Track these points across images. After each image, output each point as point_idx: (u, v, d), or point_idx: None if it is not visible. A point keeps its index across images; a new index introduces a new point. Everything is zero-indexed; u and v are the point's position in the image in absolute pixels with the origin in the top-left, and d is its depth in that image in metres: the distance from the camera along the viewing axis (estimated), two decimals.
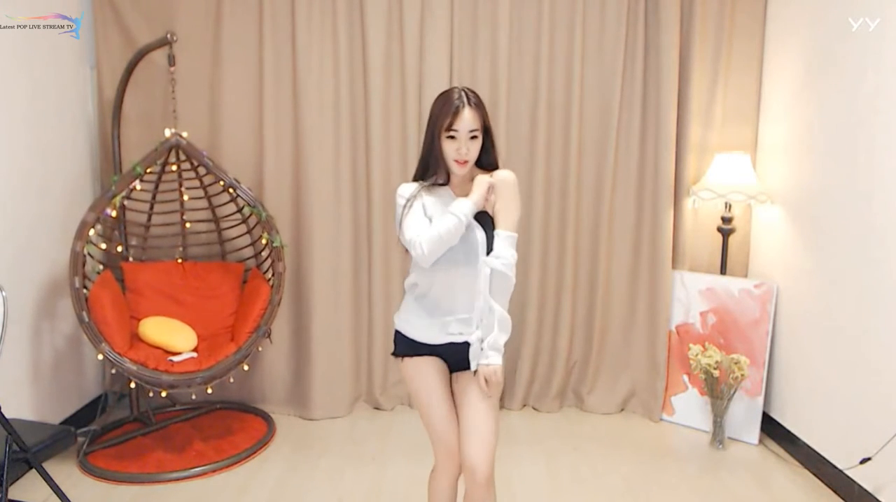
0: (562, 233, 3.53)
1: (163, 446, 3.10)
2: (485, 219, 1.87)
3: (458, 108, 1.80)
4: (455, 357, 1.92)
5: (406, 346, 1.96)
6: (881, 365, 2.55)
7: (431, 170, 1.88)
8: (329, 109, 3.43)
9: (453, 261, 1.83)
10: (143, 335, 3.08)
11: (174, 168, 3.34)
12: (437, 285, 1.88)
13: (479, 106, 1.84)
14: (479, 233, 1.84)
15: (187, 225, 3.46)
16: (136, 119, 3.44)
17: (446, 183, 1.91)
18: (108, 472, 2.85)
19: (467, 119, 1.80)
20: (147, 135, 3.40)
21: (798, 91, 3.16)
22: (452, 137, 1.82)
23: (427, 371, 1.93)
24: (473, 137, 1.83)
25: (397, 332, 1.99)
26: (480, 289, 1.81)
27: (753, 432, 3.29)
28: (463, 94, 1.83)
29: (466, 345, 1.87)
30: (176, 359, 2.96)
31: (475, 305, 1.83)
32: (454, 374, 1.98)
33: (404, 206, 1.86)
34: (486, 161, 1.92)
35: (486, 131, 1.87)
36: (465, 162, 1.84)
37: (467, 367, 1.89)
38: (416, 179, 1.93)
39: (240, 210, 3.38)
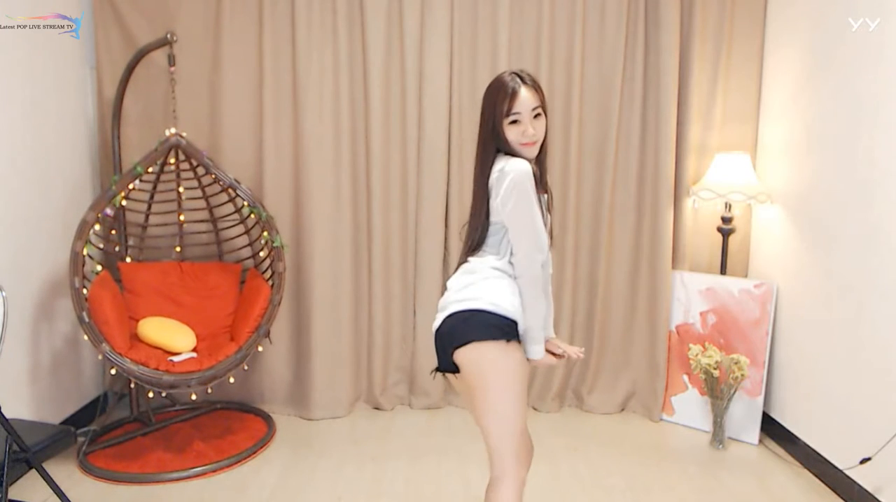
0: (562, 232, 3.53)
1: (163, 446, 3.10)
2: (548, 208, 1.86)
3: (515, 89, 1.75)
4: None
5: (509, 332, 1.76)
6: (881, 365, 2.55)
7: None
8: (329, 109, 3.43)
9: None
10: (142, 335, 3.08)
11: (173, 168, 3.34)
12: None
13: (535, 84, 1.78)
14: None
15: (184, 224, 3.46)
16: (136, 119, 3.43)
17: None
18: (108, 472, 2.85)
19: (526, 98, 1.75)
20: (147, 135, 3.40)
21: (798, 91, 3.16)
22: (515, 122, 1.75)
23: (525, 363, 1.82)
24: (537, 115, 1.77)
25: (505, 317, 1.74)
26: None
27: (753, 432, 3.29)
28: (515, 75, 1.77)
29: None
30: (176, 359, 2.96)
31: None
32: None
33: (532, 198, 1.76)
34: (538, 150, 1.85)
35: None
36: (534, 143, 1.78)
37: None
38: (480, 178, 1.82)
39: (238, 210, 3.38)
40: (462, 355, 1.76)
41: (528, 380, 1.83)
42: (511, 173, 1.71)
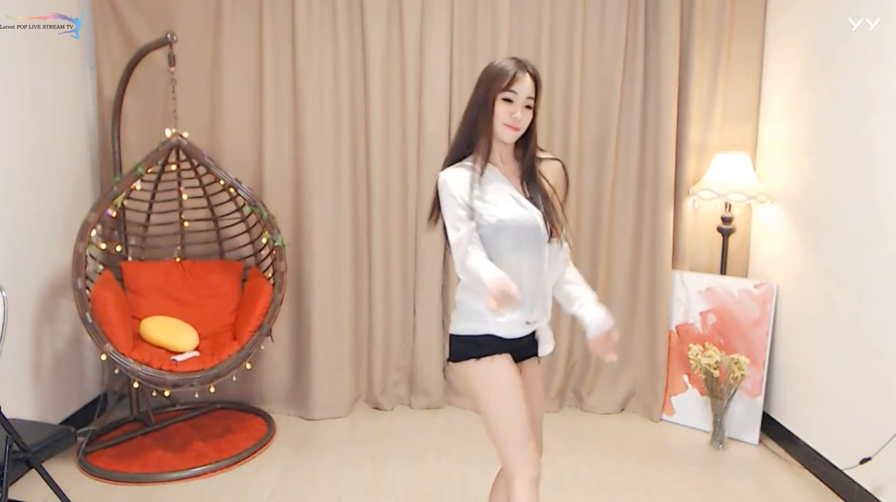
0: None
1: (163, 446, 3.10)
2: (539, 199, 1.83)
3: (518, 72, 1.75)
4: (522, 348, 1.87)
5: (481, 346, 1.80)
6: (881, 365, 2.55)
7: (472, 140, 1.80)
8: (329, 109, 3.43)
9: (533, 250, 1.79)
10: (144, 335, 3.08)
11: (174, 168, 3.35)
12: (524, 276, 1.79)
13: (536, 76, 1.79)
14: (541, 221, 1.80)
15: (185, 224, 3.46)
16: (136, 119, 3.44)
17: (486, 162, 1.81)
18: (107, 472, 2.85)
19: (527, 84, 1.76)
20: (147, 135, 3.40)
21: (798, 91, 3.16)
22: (509, 100, 1.75)
23: (511, 367, 1.80)
24: (528, 107, 1.78)
25: (466, 337, 1.82)
26: (552, 273, 1.84)
27: (753, 432, 3.29)
28: (520, 61, 1.78)
29: (531, 333, 1.87)
30: (179, 358, 2.96)
31: (546, 292, 1.84)
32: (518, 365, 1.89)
33: (453, 202, 1.77)
34: (524, 143, 1.85)
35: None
36: (517, 129, 1.78)
37: (530, 355, 1.89)
38: (453, 158, 1.84)
39: (239, 209, 3.38)
40: (452, 366, 1.92)
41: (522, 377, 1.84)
42: (440, 175, 1.81)
